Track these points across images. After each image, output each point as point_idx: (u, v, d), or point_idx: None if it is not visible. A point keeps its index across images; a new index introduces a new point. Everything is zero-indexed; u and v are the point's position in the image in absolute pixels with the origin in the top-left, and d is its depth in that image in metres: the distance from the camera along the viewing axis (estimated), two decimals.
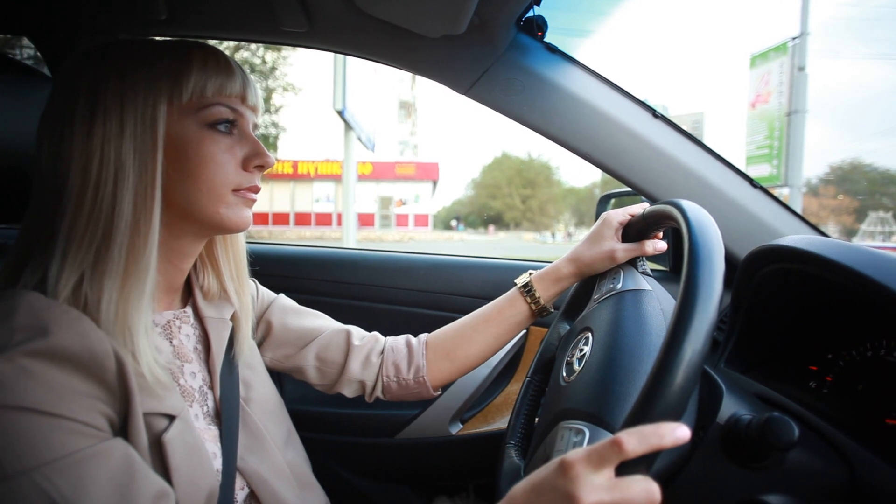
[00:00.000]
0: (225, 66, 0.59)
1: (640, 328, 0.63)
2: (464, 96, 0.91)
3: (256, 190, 0.61)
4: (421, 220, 27.64)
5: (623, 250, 0.79)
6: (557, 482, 0.39)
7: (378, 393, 0.82)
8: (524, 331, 1.14)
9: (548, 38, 0.90)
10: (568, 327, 0.83)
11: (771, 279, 0.74)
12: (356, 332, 0.83)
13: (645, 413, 0.43)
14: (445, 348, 0.82)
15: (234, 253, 0.70)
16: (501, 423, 1.13)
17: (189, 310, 0.66)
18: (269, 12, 0.83)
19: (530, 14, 0.86)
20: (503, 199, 43.88)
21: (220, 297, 0.69)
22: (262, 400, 0.69)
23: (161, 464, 0.52)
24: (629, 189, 1.03)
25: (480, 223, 42.79)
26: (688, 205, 0.59)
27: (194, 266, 0.69)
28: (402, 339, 0.84)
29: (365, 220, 25.76)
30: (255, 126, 0.64)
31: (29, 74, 0.72)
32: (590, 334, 0.69)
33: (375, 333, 0.84)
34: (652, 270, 1.13)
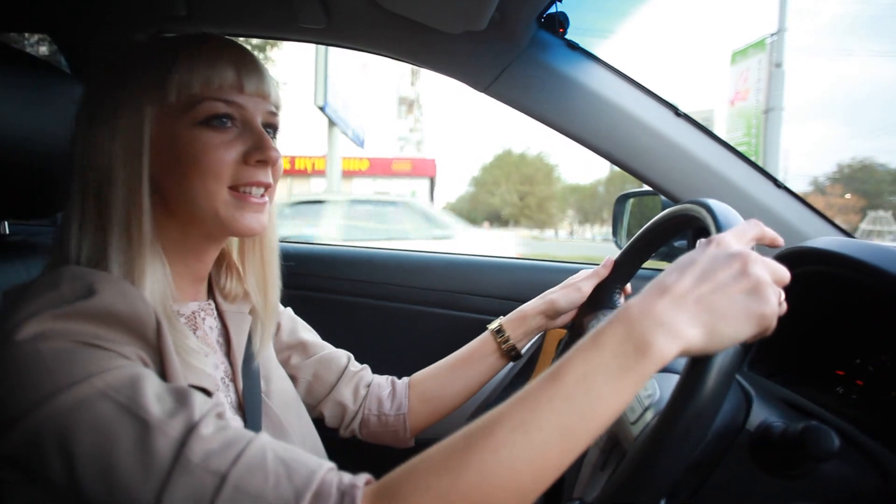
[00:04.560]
0: (214, 54, 0.56)
1: None
2: (483, 94, 0.91)
3: (258, 184, 0.57)
4: None
5: (584, 278, 0.80)
6: (710, 252, 0.44)
7: (355, 425, 0.81)
8: (542, 332, 1.13)
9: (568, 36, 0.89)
10: None
11: (797, 282, 0.72)
12: (353, 359, 0.84)
13: (674, 418, 0.42)
14: (423, 389, 0.82)
15: (262, 255, 0.68)
16: None
17: (213, 302, 0.66)
18: (288, 8, 0.82)
19: (552, 10, 0.85)
20: (501, 196, 43.74)
21: (242, 299, 0.69)
22: (281, 393, 0.70)
23: None
24: (648, 189, 1.02)
25: (482, 220, 42.78)
26: (715, 204, 0.57)
27: (218, 265, 0.68)
28: (386, 377, 0.84)
29: None
30: (272, 115, 0.60)
31: (49, 71, 0.72)
32: None
33: (366, 366, 0.85)
34: None
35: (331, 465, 0.45)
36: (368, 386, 0.82)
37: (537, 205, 43.19)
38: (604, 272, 0.80)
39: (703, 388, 0.41)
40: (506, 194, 43.34)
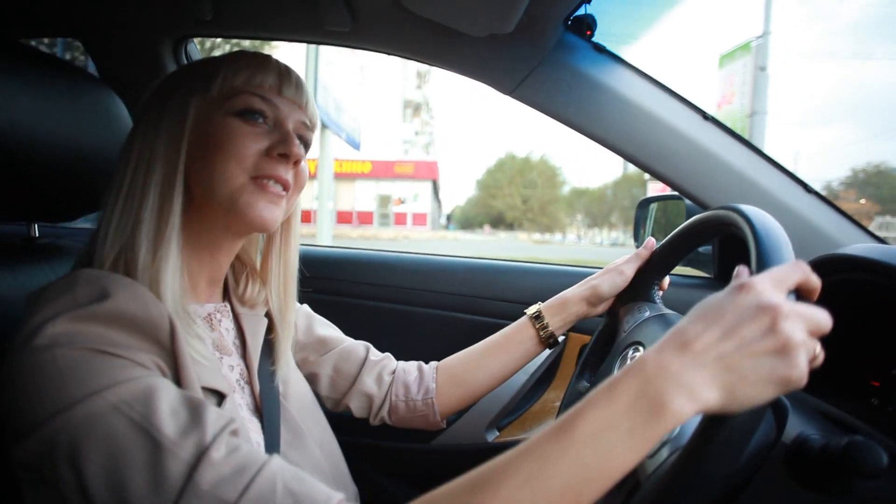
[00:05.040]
0: (260, 60, 0.60)
1: None
2: (509, 97, 0.90)
3: (278, 179, 0.59)
4: (419, 219, 27.60)
5: (626, 262, 0.79)
6: (740, 300, 0.39)
7: (384, 413, 0.81)
8: (563, 336, 1.12)
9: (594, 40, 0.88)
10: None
11: (830, 290, 0.71)
12: (373, 348, 0.83)
13: (712, 434, 0.41)
14: (454, 373, 0.81)
15: (286, 266, 0.69)
16: (538, 432, 1.11)
17: (228, 304, 0.66)
18: (314, 12, 0.82)
19: (580, 12, 0.84)
20: (504, 199, 43.59)
21: (260, 305, 0.69)
22: (298, 396, 0.70)
23: None
24: (672, 193, 1.00)
25: (488, 222, 42.70)
26: (750, 209, 0.56)
27: (237, 272, 0.69)
28: (413, 363, 0.84)
29: (364, 219, 25.83)
30: (305, 126, 0.63)
31: (78, 75, 0.72)
32: (641, 348, 0.67)
33: (388, 354, 0.85)
34: (695, 277, 1.10)
35: (340, 496, 0.45)
36: (393, 373, 0.82)
37: (540, 208, 43.04)
38: (645, 253, 0.78)
39: (719, 445, 0.40)
40: (508, 198, 43.29)
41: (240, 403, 0.60)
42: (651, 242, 0.79)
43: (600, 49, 0.88)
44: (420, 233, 25.70)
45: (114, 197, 0.56)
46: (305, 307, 0.83)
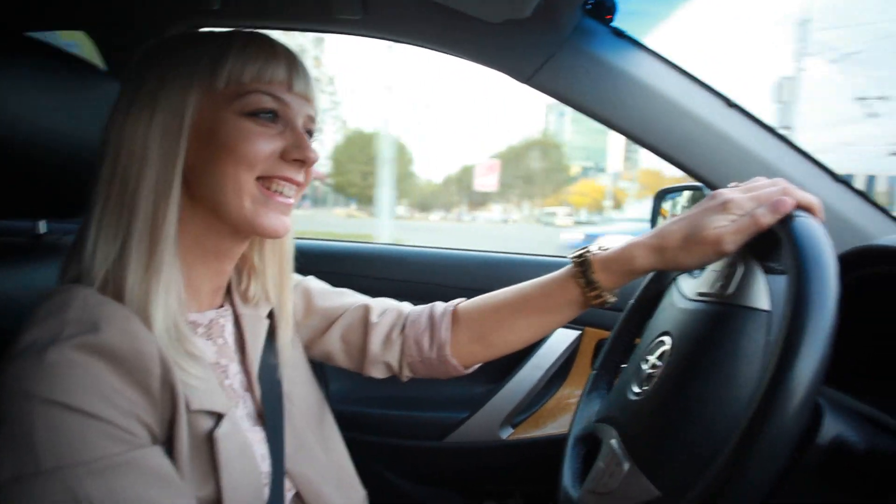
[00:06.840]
0: (267, 50, 0.56)
1: (728, 375, 0.53)
2: (525, 85, 0.87)
3: (290, 181, 0.57)
4: None
5: (733, 234, 0.56)
6: None
7: (406, 372, 0.75)
8: (579, 332, 1.09)
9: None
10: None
11: (862, 284, 0.68)
12: (377, 306, 0.75)
13: (744, 465, 0.39)
14: (479, 331, 0.72)
15: (281, 257, 0.67)
16: (553, 429, 1.09)
17: (231, 307, 0.64)
18: (324, 0, 0.80)
19: None
20: (345, 176, 43.24)
21: (262, 302, 0.67)
22: (304, 398, 0.68)
23: (210, 462, 0.51)
24: (696, 184, 0.97)
25: (342, 200, 42.80)
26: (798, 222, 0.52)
27: (236, 268, 0.66)
28: (425, 309, 0.75)
29: None
30: (311, 119, 0.60)
31: (85, 68, 0.70)
32: (668, 342, 0.63)
33: (400, 306, 0.77)
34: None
35: None
36: (403, 328, 0.74)
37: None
38: (768, 221, 0.54)
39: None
40: (349, 174, 42.98)
41: (242, 415, 0.59)
42: (818, 207, 0.57)
43: (620, 34, 0.84)
44: None
45: (101, 200, 0.52)
46: (305, 282, 0.77)
